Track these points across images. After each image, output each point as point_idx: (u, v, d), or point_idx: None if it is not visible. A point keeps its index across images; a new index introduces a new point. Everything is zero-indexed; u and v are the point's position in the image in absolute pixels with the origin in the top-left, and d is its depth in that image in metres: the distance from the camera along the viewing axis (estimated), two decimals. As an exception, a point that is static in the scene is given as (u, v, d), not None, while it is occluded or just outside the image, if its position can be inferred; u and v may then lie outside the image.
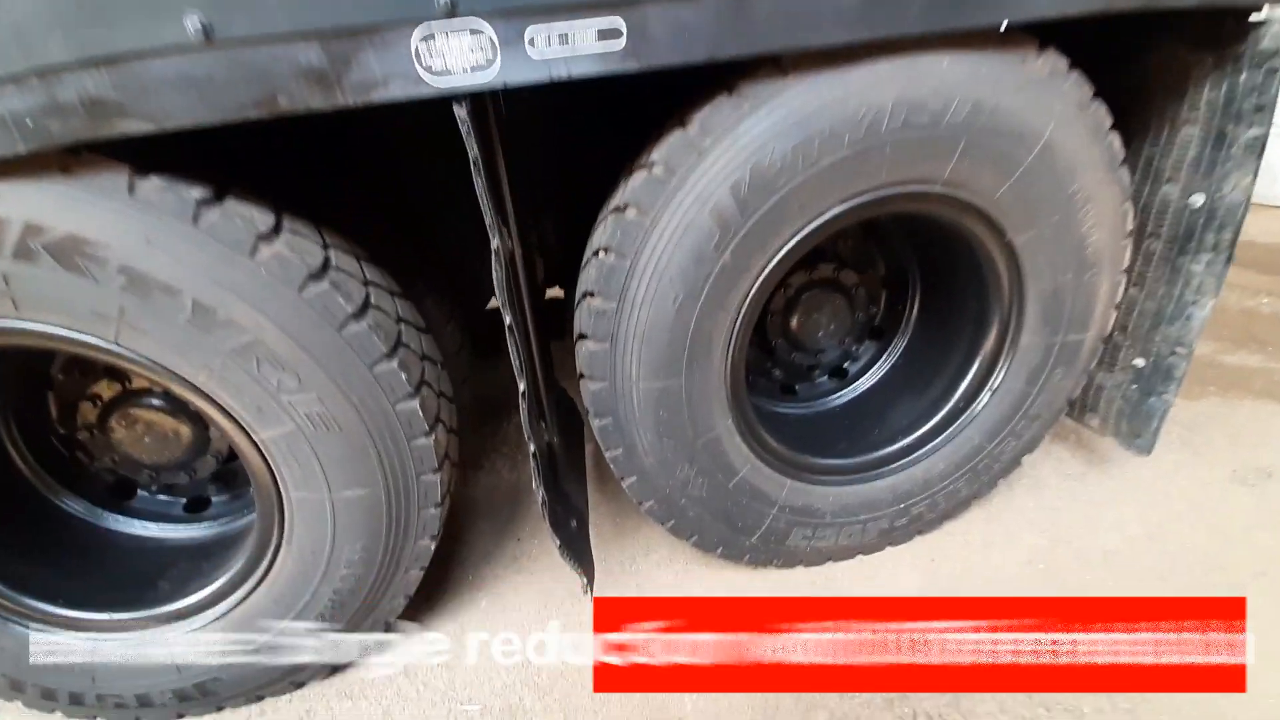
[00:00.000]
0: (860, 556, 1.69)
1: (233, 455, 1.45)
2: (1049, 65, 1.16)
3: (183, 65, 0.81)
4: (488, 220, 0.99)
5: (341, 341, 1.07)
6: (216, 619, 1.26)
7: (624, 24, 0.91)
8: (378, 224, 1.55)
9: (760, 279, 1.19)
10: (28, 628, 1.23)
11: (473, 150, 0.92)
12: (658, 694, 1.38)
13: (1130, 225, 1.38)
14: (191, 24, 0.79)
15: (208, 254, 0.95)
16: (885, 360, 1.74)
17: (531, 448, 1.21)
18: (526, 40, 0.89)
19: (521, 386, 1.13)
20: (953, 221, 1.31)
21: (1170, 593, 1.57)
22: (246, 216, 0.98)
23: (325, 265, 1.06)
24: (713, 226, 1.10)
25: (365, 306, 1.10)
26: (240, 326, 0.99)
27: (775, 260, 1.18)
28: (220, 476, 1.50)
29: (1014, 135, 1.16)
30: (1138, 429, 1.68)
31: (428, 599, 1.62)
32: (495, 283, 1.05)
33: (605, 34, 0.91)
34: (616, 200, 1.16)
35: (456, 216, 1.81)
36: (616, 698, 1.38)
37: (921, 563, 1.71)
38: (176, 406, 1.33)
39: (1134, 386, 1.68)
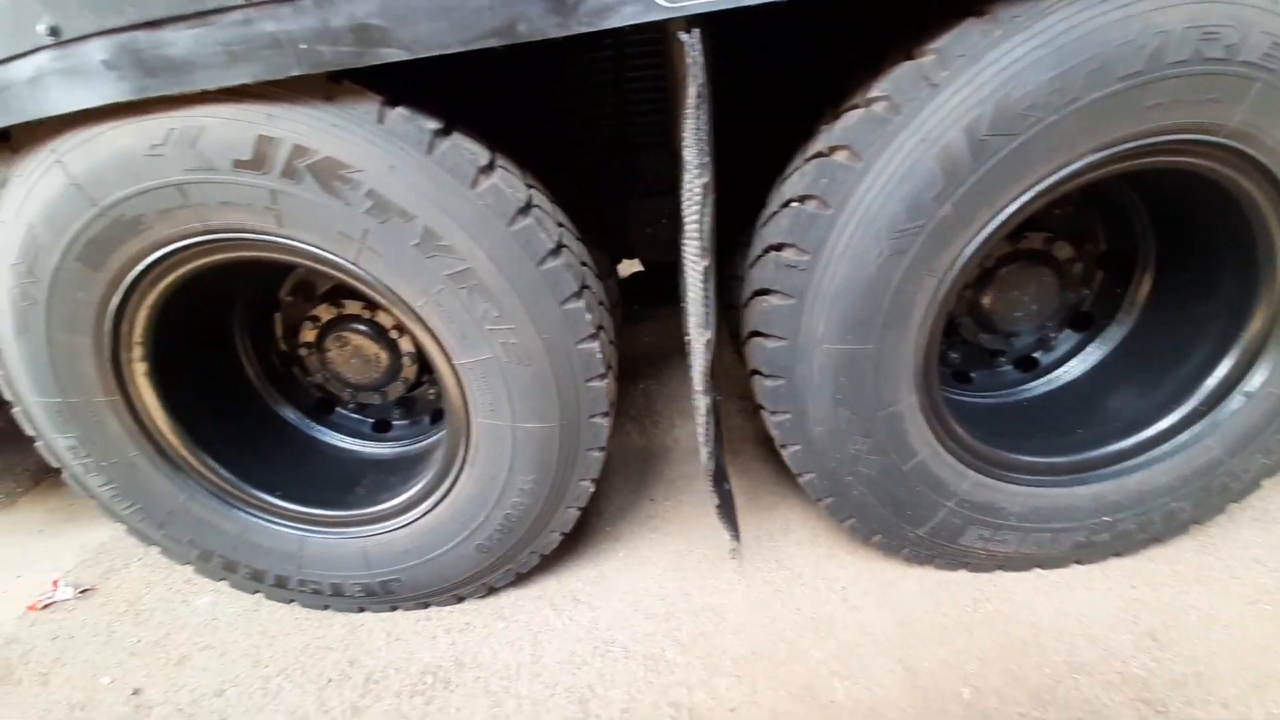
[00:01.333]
0: (1038, 569, 1.50)
1: (417, 383, 1.58)
2: None
3: (440, -11, 0.85)
4: (699, 158, 0.95)
5: (539, 276, 1.10)
6: (403, 526, 1.38)
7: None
8: (554, 169, 1.60)
9: (979, 239, 1.06)
10: (249, 514, 1.43)
11: (698, 80, 0.89)
12: (806, 674, 1.32)
13: None
14: (452, -52, 0.82)
15: (437, 182, 1.01)
16: (1094, 350, 1.51)
17: (705, 402, 1.18)
18: (768, -45, 0.83)
19: (708, 336, 1.10)
20: (1226, 182, 1.08)
21: None
22: (470, 149, 1.03)
23: (529, 203, 1.09)
24: (936, 173, 0.99)
25: (560, 246, 1.13)
26: (458, 254, 1.05)
27: (1001, 218, 1.04)
28: (403, 402, 1.65)
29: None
30: None
31: (571, 544, 1.67)
32: (693, 224, 1.02)
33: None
34: (821, 144, 1.07)
35: (613, 168, 1.84)
36: (763, 668, 1.34)
37: (1118, 588, 1.48)
38: (379, 333, 1.46)
39: None
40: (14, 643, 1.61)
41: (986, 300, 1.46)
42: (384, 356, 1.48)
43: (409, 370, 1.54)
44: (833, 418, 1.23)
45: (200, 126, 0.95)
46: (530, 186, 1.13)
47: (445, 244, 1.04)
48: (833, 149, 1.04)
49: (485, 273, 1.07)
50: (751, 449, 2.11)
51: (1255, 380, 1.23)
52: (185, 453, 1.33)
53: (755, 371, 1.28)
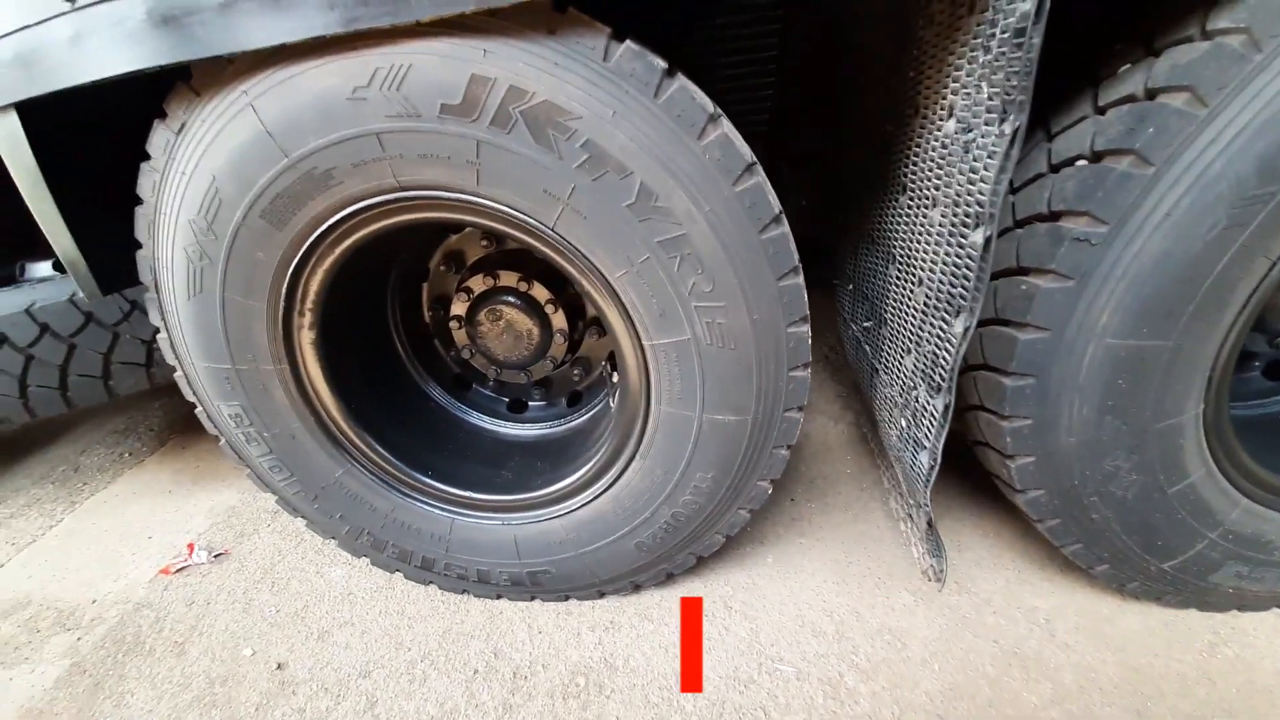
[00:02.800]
0: (1276, 609, 1.26)
1: (562, 363, 1.46)
2: None
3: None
4: (1020, 94, 0.75)
5: (760, 247, 0.94)
6: (560, 516, 1.28)
7: None
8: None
9: None
10: (402, 493, 1.35)
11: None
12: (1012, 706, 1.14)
13: None
14: None
15: (662, 132, 0.86)
16: None
17: (944, 402, 0.99)
18: None
19: (969, 323, 0.91)
20: None
21: None
22: (696, 94, 0.87)
23: (753, 160, 0.92)
24: None
25: (780, 212, 0.96)
26: (674, 217, 0.90)
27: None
28: (542, 383, 1.54)
29: None
30: None
31: (716, 542, 1.54)
32: (987, 181, 0.82)
33: None
34: (1133, 86, 0.85)
35: (764, 130, 1.65)
36: (966, 710, 1.16)
37: None
38: (534, 307, 1.35)
39: None
40: (146, 608, 1.57)
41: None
42: (536, 332, 1.37)
43: (558, 348, 1.42)
44: (1095, 427, 1.02)
45: (408, 65, 0.83)
46: (750, 140, 0.96)
47: (662, 205, 0.89)
48: (1160, 91, 0.82)
49: (701, 240, 0.91)
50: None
51: None
52: (345, 426, 1.25)
53: (986, 367, 1.08)
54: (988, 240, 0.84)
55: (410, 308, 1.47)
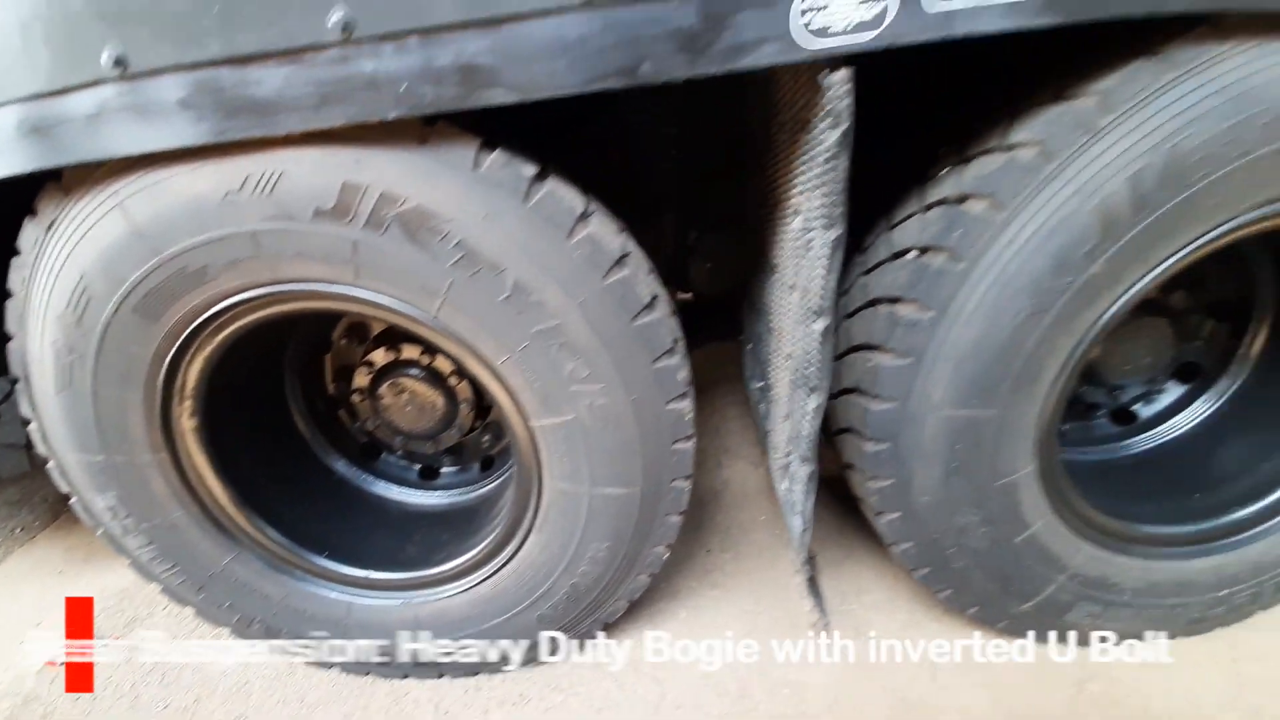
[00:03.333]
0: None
1: (472, 429, 1.48)
2: None
3: (560, 27, 0.76)
4: (830, 210, 0.86)
5: (633, 333, 1.00)
6: (461, 592, 1.27)
7: (1042, -26, 0.74)
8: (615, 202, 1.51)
9: (1125, 298, 0.96)
10: (296, 577, 1.31)
11: (843, 125, 0.80)
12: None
13: None
14: (579, -18, 0.73)
15: (533, 232, 0.92)
16: (1203, 404, 1.40)
17: (807, 471, 1.07)
18: (928, -5, 0.75)
19: (818, 401, 1.00)
20: None
21: None
22: (566, 196, 0.94)
23: (624, 252, 1.00)
24: (1093, 226, 0.89)
25: (654, 298, 1.03)
26: (549, 309, 0.95)
27: (1152, 275, 0.94)
28: (453, 450, 1.54)
29: None
30: None
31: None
32: (821, 278, 0.92)
33: (1018, -13, 0.74)
34: (949, 190, 0.98)
35: (677, 200, 1.76)
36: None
37: (1221, 663, 1.36)
38: (437, 379, 1.36)
39: None
40: (34, 702, 1.47)
41: (1094, 352, 1.35)
42: (441, 403, 1.38)
43: (465, 417, 1.43)
44: (943, 487, 1.12)
45: (280, 172, 0.86)
46: (622, 232, 1.04)
47: (536, 299, 0.94)
48: (967, 197, 0.95)
49: (576, 329, 0.97)
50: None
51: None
52: (233, 512, 1.22)
53: (848, 430, 1.18)
54: (825, 329, 0.94)
55: (312, 379, 1.46)
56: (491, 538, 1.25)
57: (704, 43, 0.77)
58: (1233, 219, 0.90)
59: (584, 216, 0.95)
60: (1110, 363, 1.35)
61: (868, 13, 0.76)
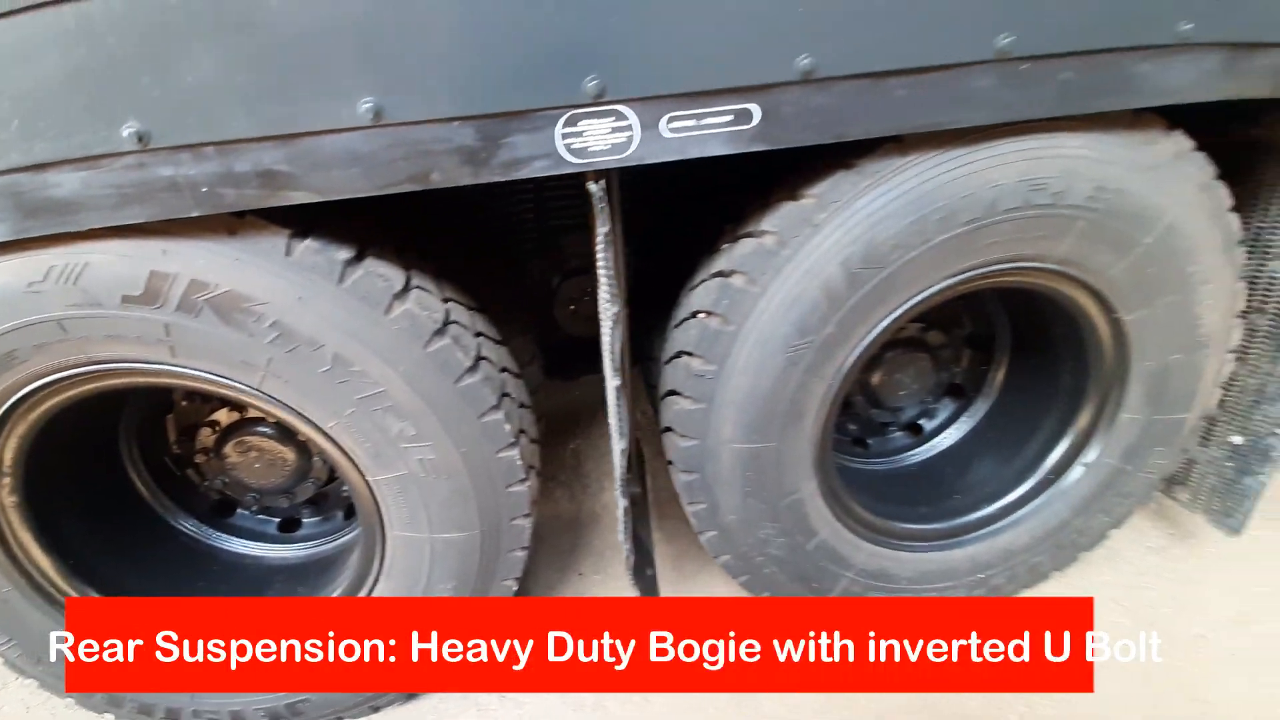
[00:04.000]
0: None
1: (331, 478, 1.52)
2: (1175, 146, 1.14)
3: (352, 143, 0.87)
4: (610, 290, 1.02)
5: (457, 394, 1.11)
6: (313, 643, 1.32)
7: (758, 108, 0.94)
8: (475, 263, 1.62)
9: (859, 350, 1.19)
10: (140, 637, 1.31)
11: (604, 225, 0.96)
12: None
13: (1241, 305, 1.33)
14: (365, 107, 0.84)
15: (349, 311, 1.01)
16: (965, 420, 1.71)
17: (623, 504, 1.23)
18: (664, 122, 0.92)
19: (622, 445, 1.16)
20: (1060, 296, 1.29)
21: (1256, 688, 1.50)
22: (383, 275, 1.04)
23: (446, 321, 1.11)
24: (820, 300, 1.11)
25: (478, 360, 1.15)
26: (371, 379, 1.05)
27: (876, 332, 1.18)
28: (314, 500, 1.57)
29: (1135, 217, 1.14)
30: (1230, 508, 1.61)
31: (497, 629, 1.65)
32: (607, 348, 1.08)
33: (739, 116, 0.94)
34: (721, 264, 1.18)
35: (539, 249, 1.90)
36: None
37: None
38: (286, 434, 1.40)
39: (1229, 464, 1.61)
40: None
41: (875, 380, 1.63)
42: (292, 458, 1.42)
43: (319, 469, 1.48)
44: (742, 508, 1.32)
45: (85, 263, 0.90)
46: (448, 300, 1.15)
47: (357, 369, 1.04)
48: (731, 272, 1.15)
49: (400, 394, 1.07)
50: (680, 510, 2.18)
51: (1091, 455, 1.44)
52: (63, 584, 1.20)
53: (670, 462, 1.36)
54: (618, 388, 1.10)
55: (154, 440, 1.45)
56: (343, 588, 1.31)
57: (484, 157, 0.91)
58: (929, 287, 1.16)
59: (403, 292, 1.06)
60: (887, 389, 1.62)
61: (618, 138, 0.93)
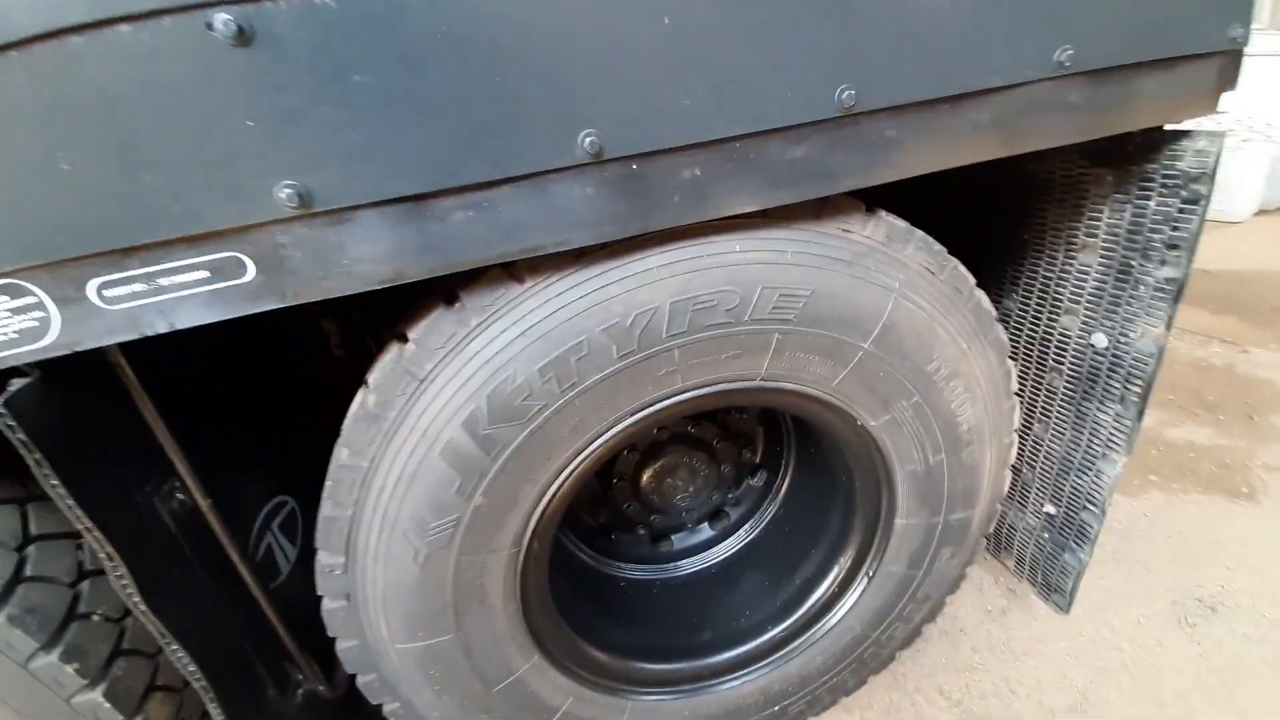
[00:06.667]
0: None
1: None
2: (882, 230, 0.92)
3: None
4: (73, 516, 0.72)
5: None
6: None
7: (248, 258, 0.66)
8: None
9: (541, 506, 0.93)
10: None
11: (33, 454, 0.66)
12: None
13: (1013, 385, 1.15)
14: None
15: None
16: (747, 532, 1.49)
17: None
18: (93, 292, 0.63)
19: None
20: (795, 408, 1.07)
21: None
22: None
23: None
24: (449, 472, 0.84)
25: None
26: None
27: (560, 481, 0.92)
28: None
29: (844, 320, 0.92)
30: (1054, 583, 1.45)
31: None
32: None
33: (219, 272, 0.65)
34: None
35: None
36: None
37: None
38: None
39: (1046, 535, 1.46)
40: None
41: (645, 482, 1.38)
42: None
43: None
44: (442, 703, 1.04)
45: None
46: None
47: None
48: (341, 445, 0.87)
49: None
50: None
51: (873, 565, 1.24)
52: None
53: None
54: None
55: None
56: None
57: None
58: (610, 429, 0.91)
59: None
60: (664, 494, 1.38)
61: (30, 322, 0.63)
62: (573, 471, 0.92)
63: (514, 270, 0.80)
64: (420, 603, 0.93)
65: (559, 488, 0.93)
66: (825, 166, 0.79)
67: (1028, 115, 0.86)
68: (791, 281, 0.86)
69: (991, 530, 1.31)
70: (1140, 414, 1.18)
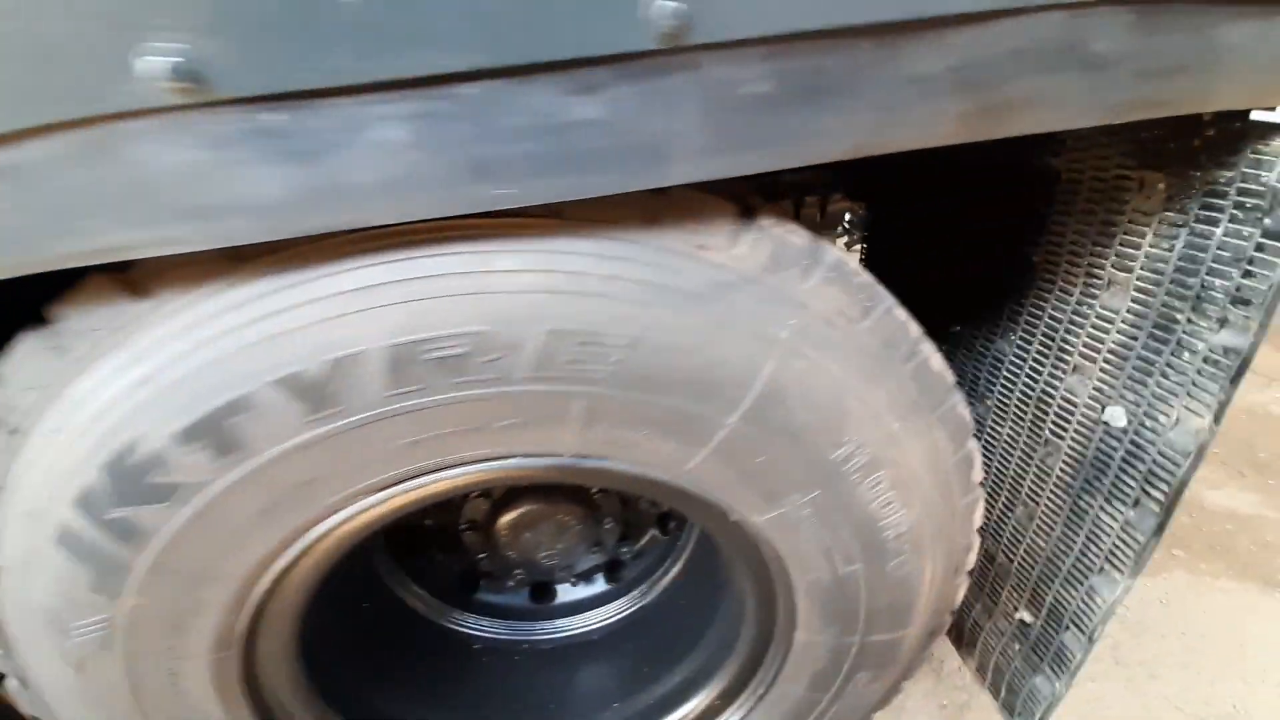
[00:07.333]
0: None
1: None
2: (765, 248, 0.59)
3: None
4: None
5: None
6: None
7: None
8: None
9: (255, 604, 0.66)
10: None
11: None
12: None
13: (977, 475, 0.81)
14: None
15: None
16: (631, 602, 1.20)
17: None
18: None
19: None
20: (636, 489, 0.77)
21: None
22: None
23: None
24: (72, 563, 0.57)
25: None
26: None
27: (271, 577, 0.65)
28: None
29: (692, 383, 0.60)
30: (1018, 705, 1.14)
31: None
32: None
33: None
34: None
35: None
36: None
37: None
38: None
39: (1017, 647, 1.13)
40: None
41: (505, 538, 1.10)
42: None
43: None
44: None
45: None
46: None
47: None
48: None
49: None
50: None
51: (764, 683, 0.93)
52: None
53: None
54: None
55: None
56: None
57: None
58: (328, 516, 0.62)
59: None
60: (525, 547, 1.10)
61: None
62: (297, 559, 0.65)
63: (129, 278, 0.50)
64: (93, 708, 0.68)
65: (275, 580, 0.65)
66: (637, 139, 0.46)
67: (1019, 72, 0.51)
68: (596, 323, 0.54)
69: (947, 629, 1.00)
70: (1159, 528, 0.83)
